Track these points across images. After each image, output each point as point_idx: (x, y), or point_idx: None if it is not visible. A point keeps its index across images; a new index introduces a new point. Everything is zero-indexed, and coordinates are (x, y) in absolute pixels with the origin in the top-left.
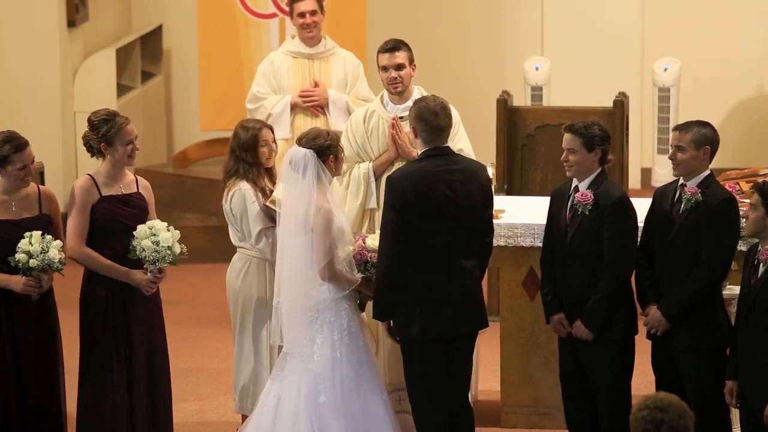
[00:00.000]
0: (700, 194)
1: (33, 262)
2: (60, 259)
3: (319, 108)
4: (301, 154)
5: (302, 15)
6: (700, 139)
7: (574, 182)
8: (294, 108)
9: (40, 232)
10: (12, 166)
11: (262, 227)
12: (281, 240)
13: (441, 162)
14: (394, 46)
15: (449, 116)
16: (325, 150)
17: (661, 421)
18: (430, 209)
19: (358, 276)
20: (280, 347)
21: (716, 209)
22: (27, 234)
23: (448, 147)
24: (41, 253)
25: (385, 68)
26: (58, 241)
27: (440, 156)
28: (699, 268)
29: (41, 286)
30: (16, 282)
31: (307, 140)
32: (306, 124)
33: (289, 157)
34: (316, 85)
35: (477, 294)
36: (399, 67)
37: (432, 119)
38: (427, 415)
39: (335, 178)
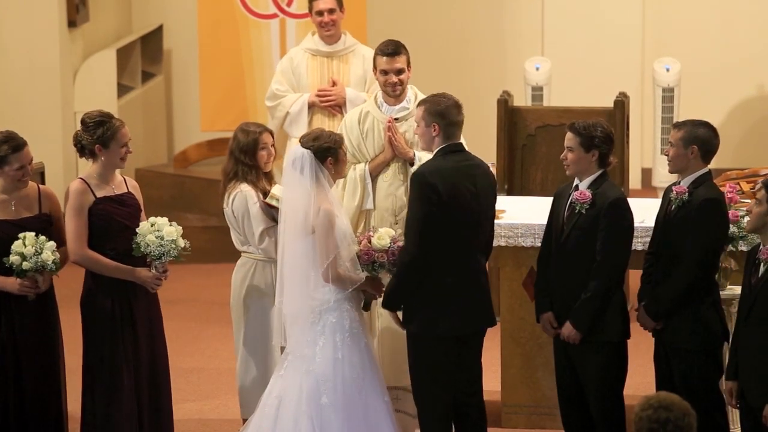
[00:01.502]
0: (686, 194)
1: (26, 265)
2: (54, 260)
3: (337, 107)
4: (300, 153)
5: (320, 13)
6: (689, 137)
7: (575, 181)
8: (312, 107)
9: (33, 234)
10: (9, 166)
11: (264, 227)
12: (282, 240)
13: (461, 158)
14: (394, 50)
15: (462, 113)
16: (324, 152)
17: (667, 420)
18: (458, 204)
19: (363, 275)
20: (283, 348)
21: (697, 209)
22: (21, 235)
23: (462, 143)
24: (35, 254)
25: (384, 72)
26: (52, 242)
27: (459, 152)
28: (679, 267)
29: (38, 286)
30: (12, 284)
31: (308, 140)
32: (323, 123)
33: (290, 157)
34: (334, 84)
35: (489, 291)
36: (399, 71)
37: (452, 115)
38: (432, 414)
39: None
